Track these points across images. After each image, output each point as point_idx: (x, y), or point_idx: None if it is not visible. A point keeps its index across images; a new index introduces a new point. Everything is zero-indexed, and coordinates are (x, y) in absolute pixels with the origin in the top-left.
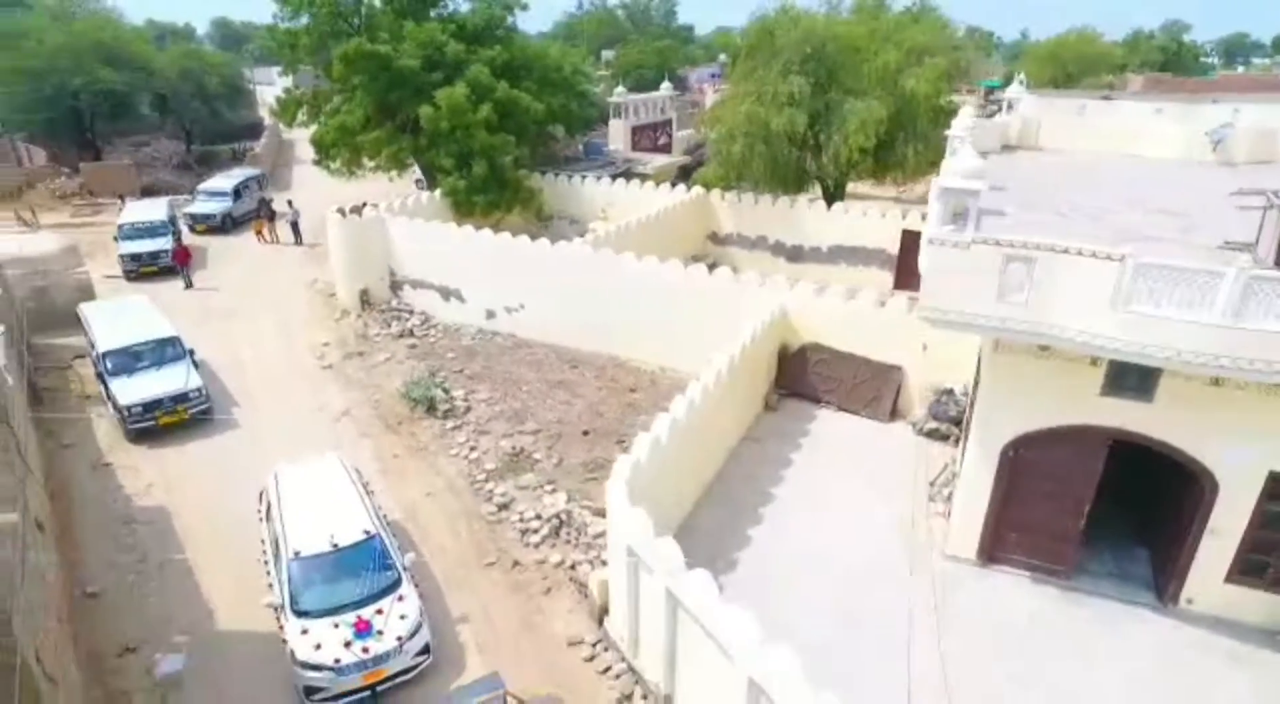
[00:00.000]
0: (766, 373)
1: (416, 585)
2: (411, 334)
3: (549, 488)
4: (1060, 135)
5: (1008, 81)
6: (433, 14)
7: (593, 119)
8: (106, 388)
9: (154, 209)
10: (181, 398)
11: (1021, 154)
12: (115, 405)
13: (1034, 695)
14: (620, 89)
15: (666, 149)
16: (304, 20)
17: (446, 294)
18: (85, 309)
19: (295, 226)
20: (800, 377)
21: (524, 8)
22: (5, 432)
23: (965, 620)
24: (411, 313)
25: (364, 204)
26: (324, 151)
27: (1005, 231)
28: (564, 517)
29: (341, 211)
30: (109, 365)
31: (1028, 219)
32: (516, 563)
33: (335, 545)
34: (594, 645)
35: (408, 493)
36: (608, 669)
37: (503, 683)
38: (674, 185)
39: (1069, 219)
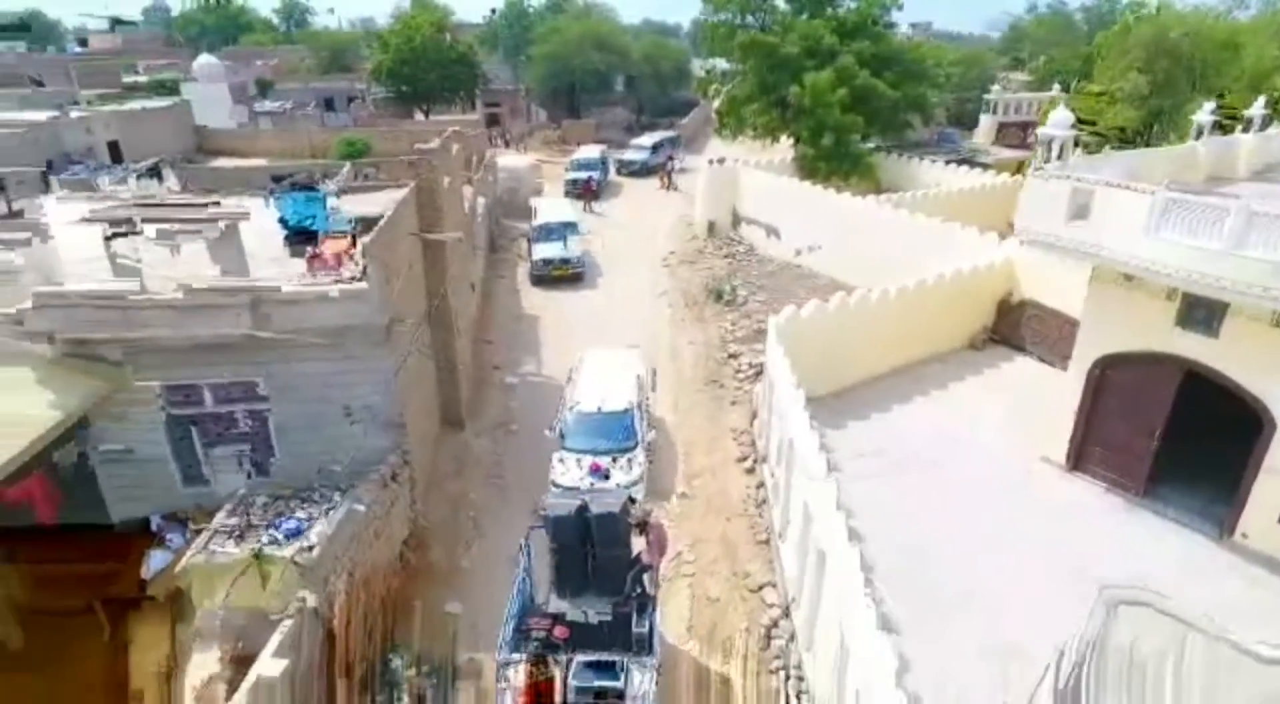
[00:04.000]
0: (978, 316)
1: (649, 452)
2: (733, 257)
3: None
4: None
5: None
6: (828, 11)
7: (955, 112)
8: (530, 248)
9: (593, 151)
10: (567, 261)
11: None
12: (531, 259)
13: (1046, 566)
14: (997, 88)
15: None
16: (721, 16)
17: (769, 232)
18: (534, 201)
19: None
20: (1014, 327)
21: (899, 7)
22: (468, 243)
23: (1030, 504)
24: (740, 242)
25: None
26: (720, 120)
27: None
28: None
29: (710, 161)
30: (535, 234)
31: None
32: (721, 386)
33: (599, 410)
34: (742, 433)
35: (679, 340)
36: (742, 441)
37: (628, 494)
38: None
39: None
